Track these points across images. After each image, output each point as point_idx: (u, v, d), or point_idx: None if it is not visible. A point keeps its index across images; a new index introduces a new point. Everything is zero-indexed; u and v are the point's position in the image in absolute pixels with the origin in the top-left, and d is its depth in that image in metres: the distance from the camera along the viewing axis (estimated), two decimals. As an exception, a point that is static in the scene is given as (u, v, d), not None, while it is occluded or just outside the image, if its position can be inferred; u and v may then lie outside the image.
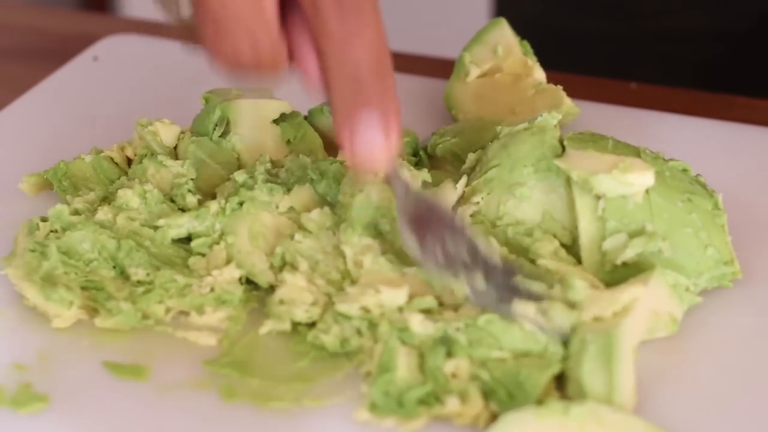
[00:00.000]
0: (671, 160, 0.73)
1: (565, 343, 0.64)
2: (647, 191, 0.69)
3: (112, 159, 0.80)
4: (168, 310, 0.69)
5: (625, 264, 0.68)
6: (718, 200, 0.71)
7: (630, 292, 0.65)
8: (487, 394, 0.62)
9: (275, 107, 0.81)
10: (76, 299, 0.68)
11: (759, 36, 1.07)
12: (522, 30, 1.09)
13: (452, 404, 0.62)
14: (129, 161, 0.81)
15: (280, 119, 0.81)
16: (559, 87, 0.81)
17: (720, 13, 1.06)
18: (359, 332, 0.66)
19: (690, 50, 1.07)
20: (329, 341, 0.66)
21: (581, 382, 0.62)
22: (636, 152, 0.72)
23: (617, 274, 0.68)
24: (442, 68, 0.94)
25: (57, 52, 1.01)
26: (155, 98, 0.92)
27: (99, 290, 0.69)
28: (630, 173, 0.68)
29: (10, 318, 0.69)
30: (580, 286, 0.65)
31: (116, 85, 0.94)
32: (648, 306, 0.66)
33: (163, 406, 0.63)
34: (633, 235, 0.68)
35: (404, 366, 0.63)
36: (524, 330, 0.64)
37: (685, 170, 0.73)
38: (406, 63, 0.97)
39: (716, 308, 0.69)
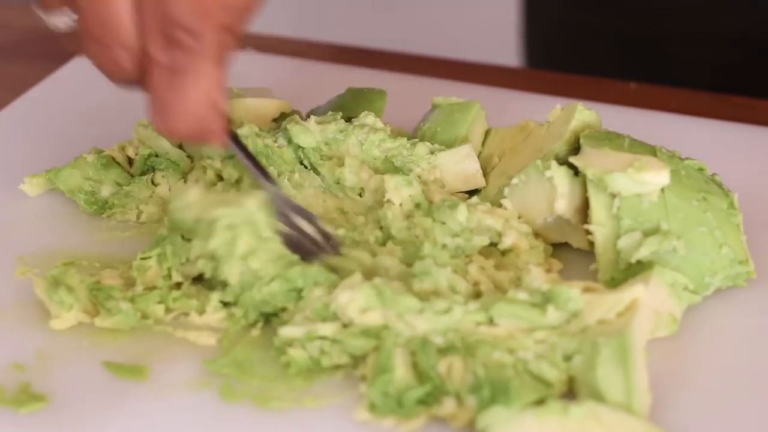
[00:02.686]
0: (687, 159, 0.73)
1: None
2: (662, 190, 0.69)
3: (113, 159, 0.80)
4: (168, 311, 0.69)
5: (639, 262, 0.68)
6: (734, 199, 0.72)
7: (631, 292, 0.65)
8: (473, 389, 0.62)
9: (275, 106, 0.81)
10: (77, 303, 0.68)
11: None
12: (546, 30, 1.09)
13: (449, 405, 0.62)
14: (130, 161, 0.81)
15: (280, 118, 0.81)
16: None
17: (743, 18, 1.06)
18: (323, 351, 0.65)
19: (711, 54, 1.07)
20: (300, 357, 0.65)
21: (596, 386, 0.62)
22: (652, 151, 0.72)
23: (631, 272, 0.68)
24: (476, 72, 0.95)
25: (57, 52, 1.01)
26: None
27: (99, 290, 0.69)
28: (645, 172, 0.68)
29: (10, 318, 0.69)
30: (576, 294, 0.65)
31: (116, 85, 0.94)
32: (650, 305, 0.66)
33: (163, 406, 0.63)
34: (647, 233, 0.68)
35: (402, 366, 0.63)
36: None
37: (701, 169, 0.73)
38: (435, 66, 0.98)
39: (728, 307, 0.70)
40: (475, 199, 0.75)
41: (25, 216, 0.77)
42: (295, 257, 0.69)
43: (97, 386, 0.65)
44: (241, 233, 0.68)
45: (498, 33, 1.56)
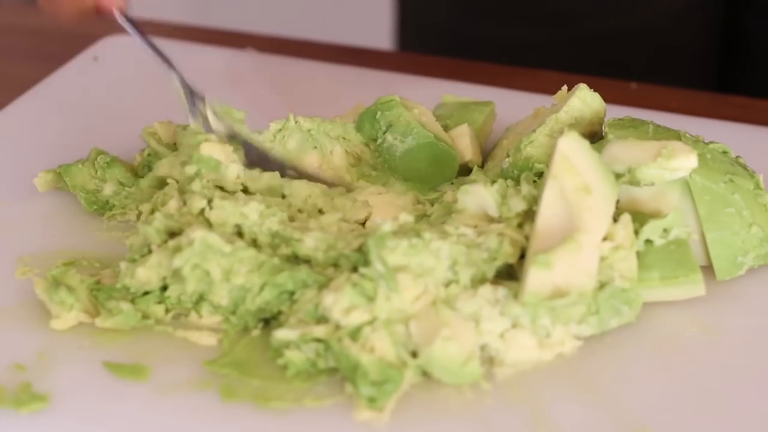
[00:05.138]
0: (711, 142, 0.74)
1: None
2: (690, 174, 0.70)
3: (119, 161, 0.80)
4: (168, 310, 0.69)
5: (668, 244, 0.69)
6: (759, 180, 0.73)
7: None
8: None
9: None
10: (77, 303, 0.68)
11: (674, 33, 1.09)
12: (425, 36, 1.08)
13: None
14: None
15: None
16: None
17: (631, 12, 1.08)
18: (318, 353, 0.65)
19: (602, 52, 1.09)
20: (297, 358, 0.65)
21: None
22: (677, 136, 0.73)
23: (656, 255, 0.69)
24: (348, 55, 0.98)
25: (57, 52, 1.01)
26: (155, 98, 0.92)
27: (99, 290, 0.69)
28: (674, 159, 0.69)
29: (10, 318, 0.69)
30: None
31: (116, 85, 0.94)
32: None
33: (163, 406, 0.63)
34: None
35: (365, 353, 0.63)
36: None
37: (725, 152, 0.74)
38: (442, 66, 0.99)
39: (729, 306, 0.70)
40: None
41: (25, 216, 0.77)
42: (275, 260, 0.68)
43: (98, 386, 0.65)
44: (208, 262, 0.68)
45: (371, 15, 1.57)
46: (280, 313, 0.68)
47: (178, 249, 0.68)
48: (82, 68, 0.97)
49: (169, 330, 0.68)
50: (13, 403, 0.63)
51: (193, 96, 0.77)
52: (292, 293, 0.68)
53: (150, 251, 0.70)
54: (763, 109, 0.92)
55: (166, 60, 0.77)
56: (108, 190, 0.78)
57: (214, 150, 0.74)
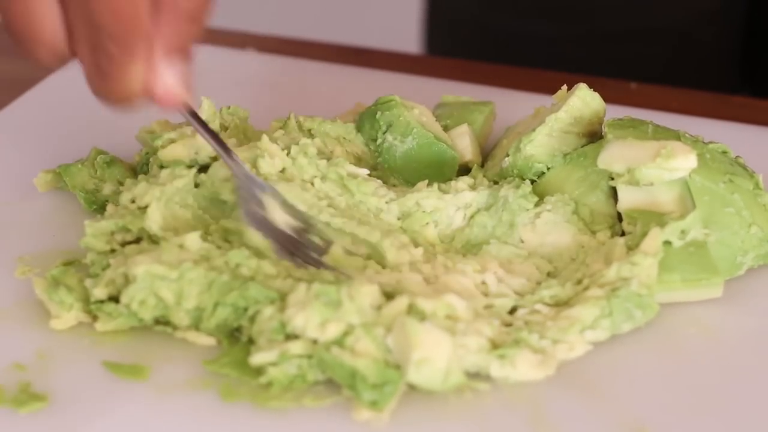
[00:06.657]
0: (711, 142, 0.74)
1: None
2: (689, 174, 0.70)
3: (119, 160, 0.80)
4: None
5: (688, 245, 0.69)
6: (759, 180, 0.73)
7: None
8: None
9: None
10: (77, 303, 0.68)
11: (702, 32, 1.09)
12: (456, 30, 1.08)
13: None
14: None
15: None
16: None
17: (660, 11, 1.08)
18: (300, 368, 0.64)
19: (630, 49, 1.09)
20: (281, 375, 0.64)
21: None
22: (676, 136, 0.73)
23: (676, 258, 0.69)
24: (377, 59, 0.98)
25: (57, 52, 1.01)
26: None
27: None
28: (673, 159, 0.69)
29: (10, 318, 0.69)
30: None
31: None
32: None
33: (163, 406, 0.63)
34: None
35: (358, 358, 0.63)
36: None
37: (724, 152, 0.74)
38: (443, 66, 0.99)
39: (728, 307, 0.70)
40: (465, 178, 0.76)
41: (25, 216, 0.77)
42: (224, 277, 0.67)
43: (97, 386, 0.65)
44: (158, 289, 0.67)
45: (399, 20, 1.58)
46: (239, 328, 0.67)
47: (126, 280, 0.68)
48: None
49: (169, 330, 0.68)
50: (12, 403, 0.63)
51: (254, 189, 0.71)
52: (246, 309, 0.67)
53: (109, 264, 0.70)
54: (763, 109, 0.92)
55: (228, 151, 0.71)
56: (107, 189, 0.78)
57: (174, 153, 0.75)
